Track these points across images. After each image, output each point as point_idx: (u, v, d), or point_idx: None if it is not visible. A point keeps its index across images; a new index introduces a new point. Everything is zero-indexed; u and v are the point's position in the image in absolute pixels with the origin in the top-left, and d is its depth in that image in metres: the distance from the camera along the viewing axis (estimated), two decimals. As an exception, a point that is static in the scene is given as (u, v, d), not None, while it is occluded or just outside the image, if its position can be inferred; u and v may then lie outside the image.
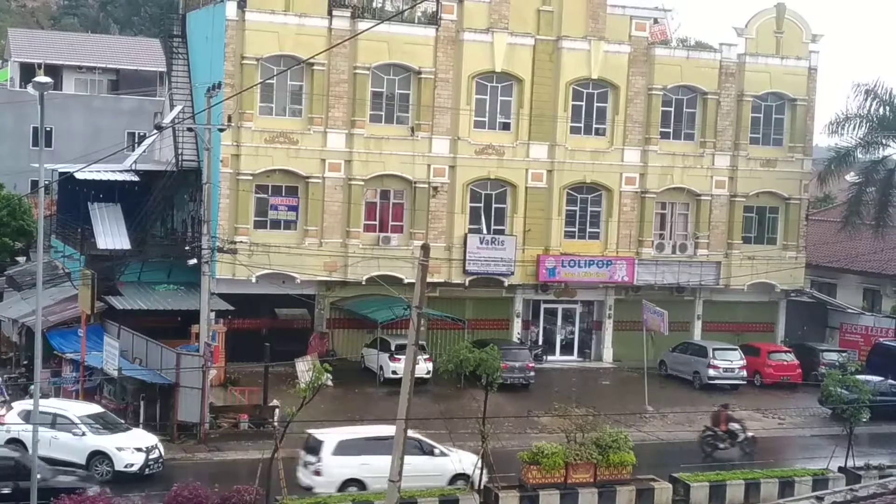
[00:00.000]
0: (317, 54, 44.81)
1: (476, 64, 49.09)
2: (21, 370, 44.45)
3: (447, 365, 35.92)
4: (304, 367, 42.05)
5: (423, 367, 43.13)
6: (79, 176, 45.74)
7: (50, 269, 49.19)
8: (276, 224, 47.28)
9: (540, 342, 52.41)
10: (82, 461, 33.09)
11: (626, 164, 51.73)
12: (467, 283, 49.60)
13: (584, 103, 51.19)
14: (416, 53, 48.31)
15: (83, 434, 33.55)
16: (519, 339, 51.00)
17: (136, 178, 48.97)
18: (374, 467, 30.03)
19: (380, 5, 50.13)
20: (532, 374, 46.69)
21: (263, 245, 46.04)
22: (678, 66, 52.35)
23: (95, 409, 35.46)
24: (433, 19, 49.30)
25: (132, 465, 33.23)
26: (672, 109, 52.73)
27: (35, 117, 57.61)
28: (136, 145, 58.60)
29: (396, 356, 43.81)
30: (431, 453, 32.36)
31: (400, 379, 27.13)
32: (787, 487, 34.17)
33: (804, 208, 55.58)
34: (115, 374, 37.84)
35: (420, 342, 26.54)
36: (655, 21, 52.49)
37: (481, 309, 50.75)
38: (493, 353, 34.12)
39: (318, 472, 31.45)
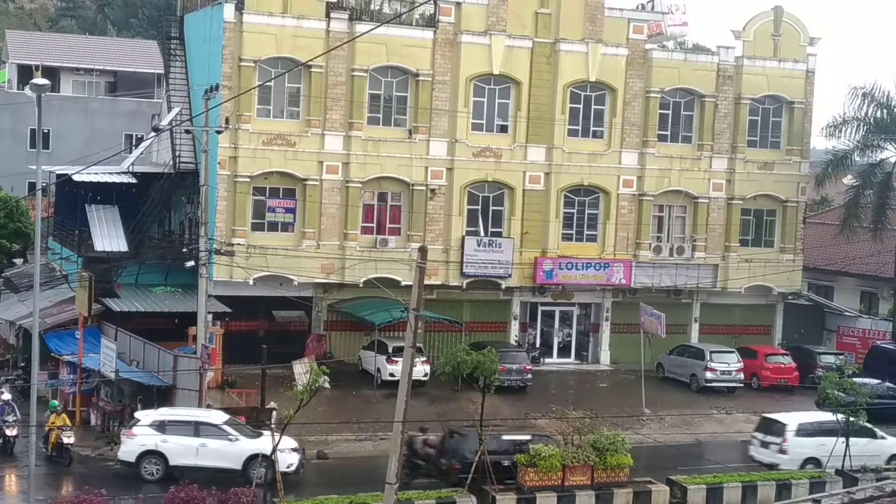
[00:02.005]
0: (315, 57, 44.80)
1: (474, 66, 49.10)
2: (18, 372, 44.42)
3: (444, 367, 35.93)
4: (302, 370, 41.83)
5: (421, 370, 43.16)
6: (76, 178, 45.74)
7: (47, 271, 49.18)
8: (273, 226, 47.26)
9: (537, 344, 52.40)
10: (238, 466, 33.34)
11: (624, 166, 51.73)
12: (465, 286, 49.60)
13: (581, 106, 51.20)
14: (414, 56, 48.32)
15: (236, 439, 33.66)
16: (516, 341, 51.00)
17: (133, 180, 48.96)
18: (828, 448, 35.76)
19: (378, 8, 50.13)
20: (529, 376, 46.68)
21: (261, 247, 46.03)
22: (676, 68, 52.38)
23: (224, 415, 35.27)
24: (431, 22, 49.31)
25: (291, 465, 33.49)
26: (669, 112, 52.75)
27: (33, 119, 57.68)
28: (133, 147, 58.64)
29: (394, 358, 43.80)
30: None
31: (397, 381, 27.10)
32: (784, 490, 34.22)
33: (801, 211, 55.60)
34: (113, 376, 37.81)
35: (417, 344, 26.50)
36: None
37: (479, 311, 50.75)
38: (490, 356, 34.13)
39: (783, 451, 36.68)
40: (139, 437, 33.67)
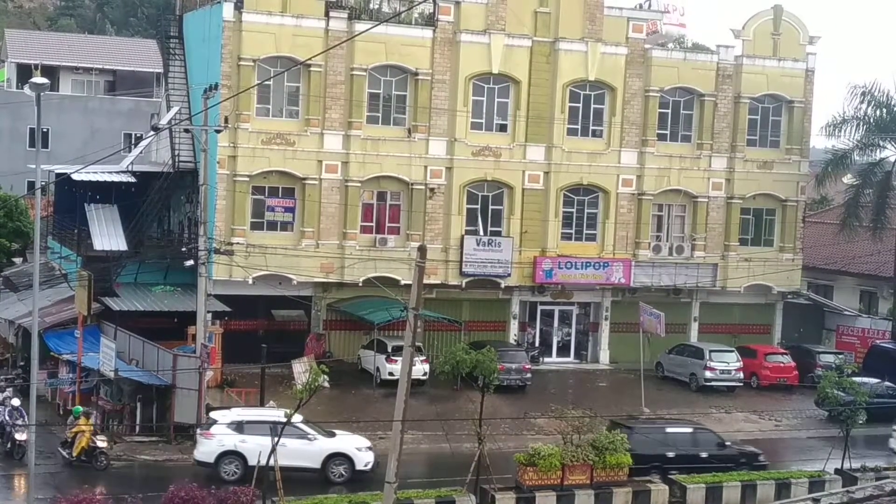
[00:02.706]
0: (314, 56, 44.81)
1: (473, 65, 49.09)
2: (17, 371, 44.39)
3: (444, 366, 35.90)
4: (301, 369, 41.89)
5: (420, 369, 43.12)
6: (75, 177, 45.73)
7: (46, 270, 49.15)
8: (272, 225, 47.26)
9: (536, 344, 52.39)
10: (317, 465, 33.57)
11: (623, 165, 51.72)
12: (464, 285, 49.59)
13: (580, 105, 51.18)
14: (413, 55, 48.31)
15: (315, 438, 33.78)
16: (516, 340, 50.99)
17: (132, 180, 48.93)
18: None
19: (377, 7, 50.11)
20: (529, 375, 46.66)
21: (260, 246, 46.02)
22: (675, 67, 52.36)
23: (298, 415, 35.09)
24: (430, 21, 49.30)
25: (368, 463, 33.89)
26: (669, 111, 52.74)
27: (32, 118, 57.69)
28: (132, 146, 58.57)
29: (393, 358, 43.78)
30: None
31: (396, 380, 27.10)
32: (783, 489, 34.24)
33: (801, 210, 55.58)
34: (112, 375, 37.79)
35: (417, 344, 26.49)
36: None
37: (478, 310, 50.74)
38: (489, 355, 34.12)
39: None
40: (217, 438, 33.69)
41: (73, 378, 39.91)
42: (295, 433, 33.10)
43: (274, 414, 34.20)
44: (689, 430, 36.32)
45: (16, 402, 36.05)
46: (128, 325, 42.40)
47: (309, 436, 33.79)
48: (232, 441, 33.60)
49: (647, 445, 34.54)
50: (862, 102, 55.67)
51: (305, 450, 33.50)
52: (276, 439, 29.76)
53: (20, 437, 34.52)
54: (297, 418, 33.00)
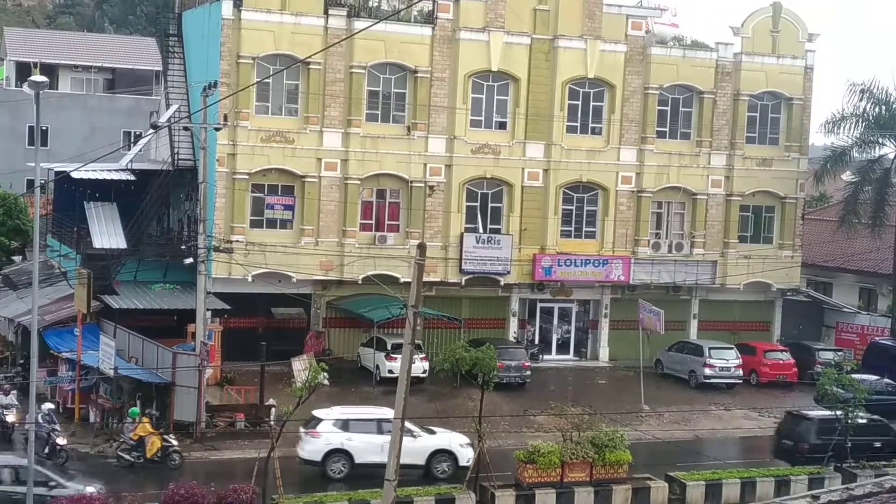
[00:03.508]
0: (313, 54, 44.80)
1: (472, 63, 49.08)
2: (17, 369, 44.37)
3: (443, 364, 35.87)
4: (301, 367, 41.88)
5: (420, 367, 43.16)
6: (75, 175, 45.70)
7: (46, 268, 49.16)
8: (272, 223, 47.27)
9: (536, 341, 52.41)
10: (422, 462, 33.68)
11: (623, 163, 51.74)
12: (463, 283, 49.61)
13: (580, 102, 51.19)
14: (413, 52, 48.31)
15: (419, 435, 33.97)
16: (515, 338, 51.01)
17: (132, 178, 48.92)
18: None
19: (376, 4, 50.26)
20: (528, 373, 46.69)
21: (259, 244, 46.03)
22: (674, 65, 52.38)
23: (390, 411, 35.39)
24: (429, 18, 49.31)
25: (469, 459, 33.73)
26: (668, 108, 52.76)
27: (31, 116, 57.60)
28: (132, 144, 58.55)
29: (392, 355, 43.80)
30: None
31: (396, 378, 27.11)
32: (783, 486, 34.19)
33: (800, 207, 55.63)
34: (112, 373, 37.79)
35: (416, 341, 26.50)
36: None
37: (477, 308, 50.75)
38: (489, 353, 34.09)
39: None
40: (324, 437, 33.80)
41: (73, 376, 39.92)
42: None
43: (377, 411, 34.88)
44: (864, 420, 36.91)
45: (48, 405, 35.94)
46: (127, 323, 42.39)
47: (413, 433, 33.49)
48: (338, 439, 33.84)
49: (823, 434, 35.98)
50: (861, 100, 55.69)
51: (410, 447, 32.92)
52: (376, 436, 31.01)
53: (61, 441, 34.47)
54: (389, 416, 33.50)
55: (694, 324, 54.30)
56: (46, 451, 33.95)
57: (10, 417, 35.84)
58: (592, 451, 32.86)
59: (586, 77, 50.91)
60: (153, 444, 34.37)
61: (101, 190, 49.31)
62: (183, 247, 43.52)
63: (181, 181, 48.50)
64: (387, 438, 31.56)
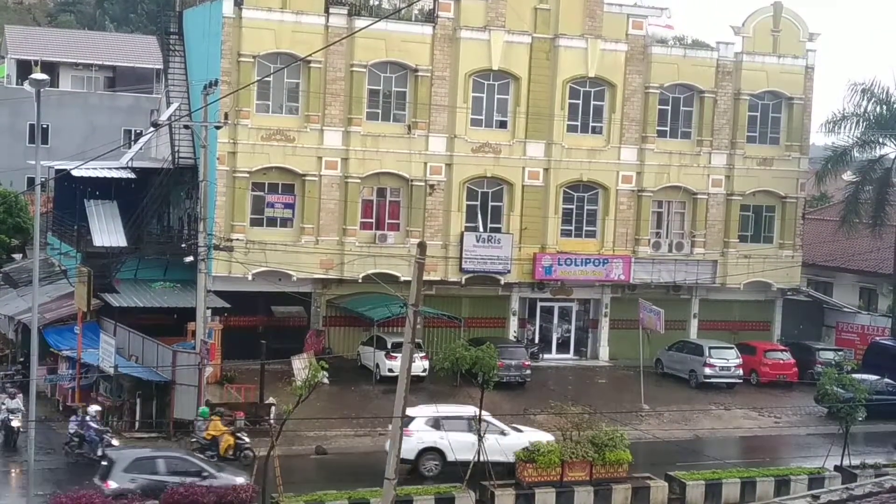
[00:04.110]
0: (314, 52, 44.77)
1: (473, 62, 49.06)
2: (17, 367, 44.40)
3: (443, 363, 35.89)
4: (301, 365, 41.91)
5: (420, 365, 43.15)
6: (75, 173, 45.69)
7: (46, 266, 49.15)
8: (272, 222, 47.24)
9: (536, 340, 52.41)
10: (511, 459, 33.68)
11: (623, 162, 51.72)
12: (464, 282, 49.59)
13: (580, 101, 51.17)
14: (413, 51, 48.29)
15: (508, 433, 34.49)
16: (515, 337, 50.99)
17: (132, 176, 48.92)
18: None
19: (377, 3, 50.30)
20: (528, 372, 46.68)
21: (260, 243, 46.02)
22: (675, 64, 52.36)
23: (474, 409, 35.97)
24: (430, 17, 49.29)
25: None
26: (669, 108, 52.74)
27: (31, 114, 57.48)
28: (132, 142, 58.56)
29: (392, 354, 43.79)
30: None
31: (396, 377, 27.11)
32: (782, 486, 34.21)
33: (801, 207, 55.60)
34: (112, 371, 37.80)
35: (416, 340, 26.50)
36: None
37: (478, 307, 50.74)
38: (489, 352, 34.11)
39: None
40: (417, 435, 34.01)
41: (73, 374, 39.94)
42: (490, 428, 33.87)
43: (466, 410, 35.26)
44: None
45: (95, 408, 35.92)
46: (127, 321, 42.41)
47: (504, 431, 34.40)
48: (431, 437, 34.22)
49: None
50: (862, 99, 55.65)
51: (500, 444, 33.98)
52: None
53: (115, 442, 34.46)
54: (485, 414, 34.25)
55: (694, 323, 54.28)
56: (100, 452, 33.86)
57: (16, 422, 35.61)
58: (592, 450, 32.89)
59: (587, 76, 50.89)
60: (226, 442, 34.64)
61: (102, 188, 49.30)
62: (183, 245, 43.53)
63: (181, 179, 48.50)
64: (476, 437, 33.08)
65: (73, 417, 35.67)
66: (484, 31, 49.05)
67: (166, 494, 28.87)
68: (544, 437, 34.73)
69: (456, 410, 35.87)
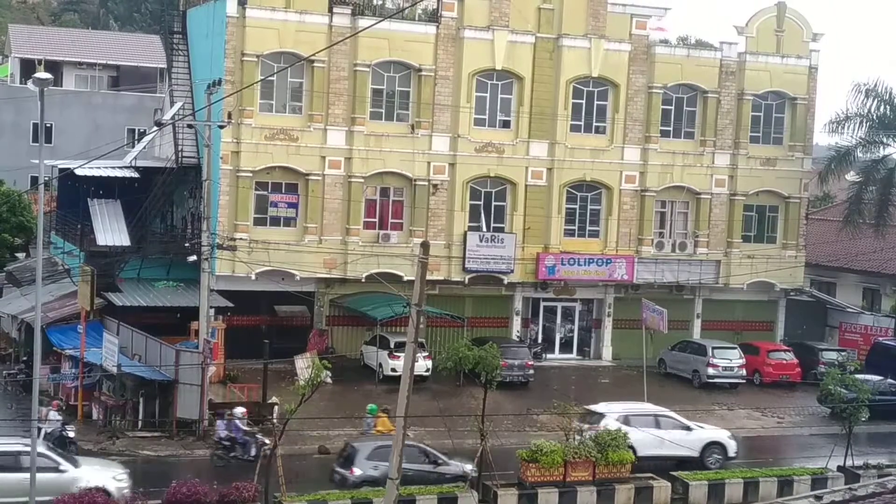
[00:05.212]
0: (317, 52, 44.79)
1: (476, 61, 49.07)
2: (20, 366, 44.46)
3: (446, 362, 35.92)
4: (304, 365, 42.05)
5: (423, 365, 43.12)
6: (79, 172, 45.69)
7: (49, 265, 49.19)
8: (275, 221, 47.27)
9: (539, 340, 52.41)
10: (696, 453, 35.99)
11: (626, 162, 51.72)
12: (467, 281, 49.60)
13: (584, 101, 51.17)
14: (417, 51, 48.29)
15: (693, 429, 36.46)
16: (518, 337, 51.00)
17: (135, 175, 48.94)
18: None
19: (380, 3, 50.21)
20: (531, 372, 46.69)
21: (263, 242, 46.04)
22: (678, 64, 52.35)
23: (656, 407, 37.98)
24: (434, 17, 49.29)
25: (736, 451, 36.77)
26: (672, 108, 52.73)
27: (35, 113, 57.64)
28: (136, 142, 58.58)
29: (395, 353, 43.80)
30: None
31: (399, 376, 27.13)
32: (785, 486, 34.21)
33: (804, 207, 55.58)
34: (115, 370, 37.79)
35: (419, 340, 26.54)
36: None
37: (481, 307, 50.74)
38: (492, 351, 34.11)
39: None
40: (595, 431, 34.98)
41: (76, 373, 39.93)
42: (676, 424, 36.36)
43: (653, 407, 37.67)
44: None
45: (241, 410, 35.83)
46: (130, 320, 42.40)
47: (689, 426, 36.32)
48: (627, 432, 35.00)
49: None
50: (865, 100, 55.58)
51: (686, 439, 35.99)
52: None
53: (268, 441, 34.44)
54: (670, 411, 36.65)
55: (697, 323, 54.28)
56: (253, 452, 34.03)
57: (72, 432, 35.24)
58: (595, 450, 32.86)
59: (590, 76, 50.89)
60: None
61: (105, 187, 49.32)
62: (186, 244, 43.52)
63: (185, 179, 48.54)
64: (664, 433, 35.28)
65: (219, 422, 35.41)
66: (487, 31, 49.05)
67: (169, 493, 28.89)
68: (724, 434, 36.89)
69: (643, 407, 37.96)
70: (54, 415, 35.50)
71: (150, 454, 35.93)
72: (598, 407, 37.24)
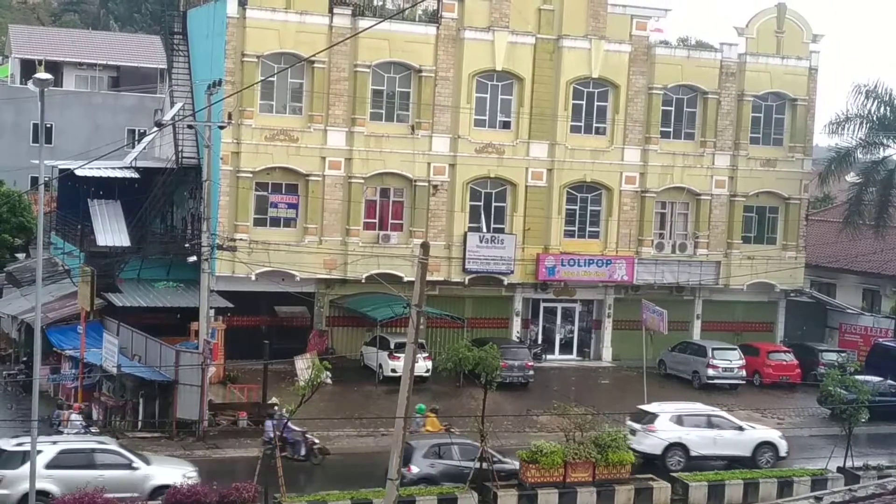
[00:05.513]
0: (318, 52, 44.81)
1: (476, 62, 49.08)
2: (20, 367, 44.46)
3: (446, 363, 35.91)
4: (304, 365, 42.07)
5: (423, 366, 43.09)
6: (79, 173, 45.71)
7: (49, 265, 49.19)
8: (275, 222, 47.28)
9: (539, 341, 52.41)
10: (748, 453, 36.53)
11: (626, 163, 51.73)
12: (467, 282, 49.60)
13: (584, 102, 51.18)
14: (417, 52, 48.30)
15: (746, 429, 37.11)
16: (518, 337, 51.00)
17: (136, 175, 48.95)
18: None
19: (380, 3, 50.30)
20: (531, 372, 46.68)
21: (263, 243, 46.05)
22: (679, 65, 52.36)
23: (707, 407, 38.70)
24: (434, 17, 49.30)
25: (787, 450, 37.25)
26: (672, 109, 52.74)
27: (35, 114, 57.61)
28: (136, 142, 58.58)
29: (395, 354, 43.80)
30: None
31: (399, 377, 27.14)
32: (785, 487, 34.21)
33: (804, 208, 55.59)
34: (115, 371, 37.80)
35: (419, 340, 26.54)
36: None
37: (481, 307, 50.74)
38: (492, 352, 34.11)
39: None
40: (662, 431, 35.93)
41: (76, 374, 39.93)
42: (729, 424, 37.00)
43: (705, 407, 38.32)
44: None
45: (285, 409, 36.02)
46: (130, 320, 42.41)
47: (741, 427, 36.97)
48: (676, 433, 35.95)
49: None
50: (865, 101, 55.58)
51: (738, 440, 36.67)
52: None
53: (317, 440, 34.52)
54: (722, 411, 37.48)
55: (697, 324, 54.28)
56: (304, 452, 34.45)
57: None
58: (595, 451, 32.85)
59: (590, 77, 50.90)
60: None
61: (105, 187, 49.32)
62: (186, 245, 43.52)
63: (185, 179, 48.54)
64: (716, 433, 36.01)
65: (268, 422, 35.23)
66: (487, 32, 49.06)
67: (169, 494, 28.89)
68: (775, 434, 37.49)
69: (696, 407, 38.45)
70: (76, 417, 35.55)
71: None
72: (651, 407, 37.86)
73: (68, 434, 34.22)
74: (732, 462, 36.23)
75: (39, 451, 28.58)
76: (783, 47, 53.99)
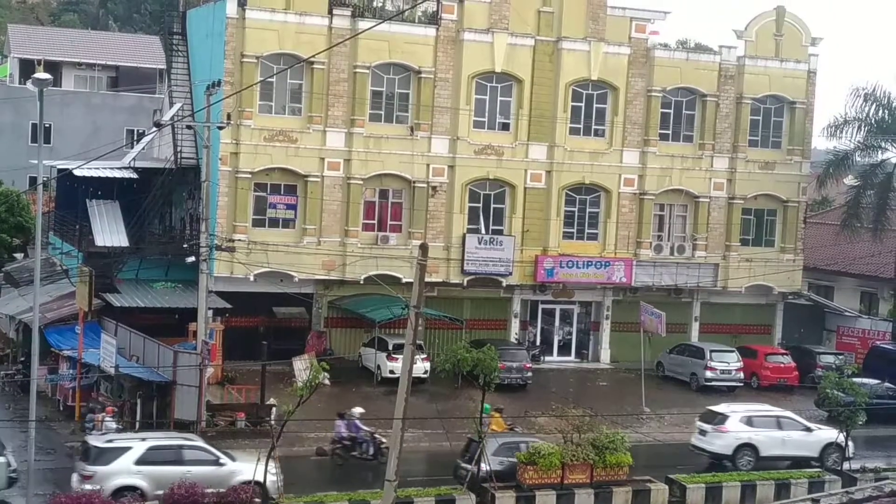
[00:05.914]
0: (317, 53, 44.83)
1: (476, 64, 49.11)
2: (18, 367, 44.41)
3: (445, 365, 35.93)
4: (302, 366, 41.85)
5: (421, 367, 43.18)
6: (77, 173, 45.68)
7: (48, 265, 49.16)
8: (274, 222, 47.28)
9: (537, 342, 52.42)
10: (815, 454, 37.26)
11: (625, 165, 51.76)
12: (465, 283, 49.62)
13: (583, 104, 51.21)
14: (417, 53, 48.33)
15: (813, 430, 37.71)
16: (517, 339, 51.01)
17: (134, 176, 48.92)
18: None
19: (380, 5, 50.22)
20: (529, 374, 46.69)
21: (262, 243, 46.05)
22: (677, 67, 52.39)
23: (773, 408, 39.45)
24: (433, 19, 49.32)
25: (854, 451, 37.24)
26: (671, 111, 52.77)
27: (34, 113, 57.65)
28: (135, 142, 58.58)
29: (394, 355, 43.82)
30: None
31: (397, 378, 27.10)
32: (783, 489, 34.27)
33: (802, 211, 55.62)
34: (112, 371, 37.77)
35: (418, 342, 26.49)
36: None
37: (479, 309, 50.76)
38: (490, 353, 34.11)
39: None
40: (733, 432, 36.85)
41: (74, 374, 39.91)
42: (797, 425, 37.79)
43: (774, 408, 39.13)
44: None
45: (359, 410, 36.33)
46: (128, 321, 42.39)
47: (810, 427, 37.72)
48: (746, 434, 36.85)
49: None
50: (863, 104, 55.68)
51: (806, 440, 37.40)
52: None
53: (385, 440, 34.38)
54: (791, 413, 38.49)
55: (695, 326, 54.31)
56: (372, 451, 34.86)
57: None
58: (593, 452, 32.86)
59: (589, 79, 50.93)
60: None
61: (104, 188, 49.29)
62: (185, 245, 43.50)
63: (184, 180, 48.53)
64: (786, 433, 36.82)
65: (339, 422, 35.93)
66: (487, 34, 49.08)
67: (167, 494, 28.90)
68: (834, 433, 37.23)
69: (766, 409, 39.22)
70: (110, 420, 35.57)
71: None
72: (721, 408, 38.38)
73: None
74: (799, 463, 36.75)
75: (129, 448, 29.66)
76: (782, 50, 54.03)
